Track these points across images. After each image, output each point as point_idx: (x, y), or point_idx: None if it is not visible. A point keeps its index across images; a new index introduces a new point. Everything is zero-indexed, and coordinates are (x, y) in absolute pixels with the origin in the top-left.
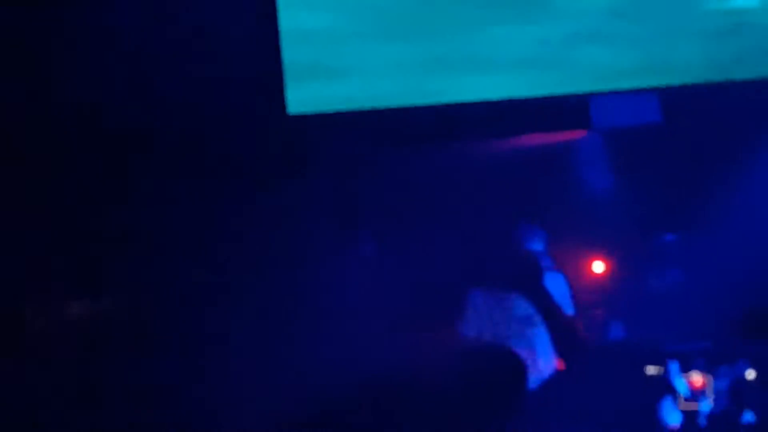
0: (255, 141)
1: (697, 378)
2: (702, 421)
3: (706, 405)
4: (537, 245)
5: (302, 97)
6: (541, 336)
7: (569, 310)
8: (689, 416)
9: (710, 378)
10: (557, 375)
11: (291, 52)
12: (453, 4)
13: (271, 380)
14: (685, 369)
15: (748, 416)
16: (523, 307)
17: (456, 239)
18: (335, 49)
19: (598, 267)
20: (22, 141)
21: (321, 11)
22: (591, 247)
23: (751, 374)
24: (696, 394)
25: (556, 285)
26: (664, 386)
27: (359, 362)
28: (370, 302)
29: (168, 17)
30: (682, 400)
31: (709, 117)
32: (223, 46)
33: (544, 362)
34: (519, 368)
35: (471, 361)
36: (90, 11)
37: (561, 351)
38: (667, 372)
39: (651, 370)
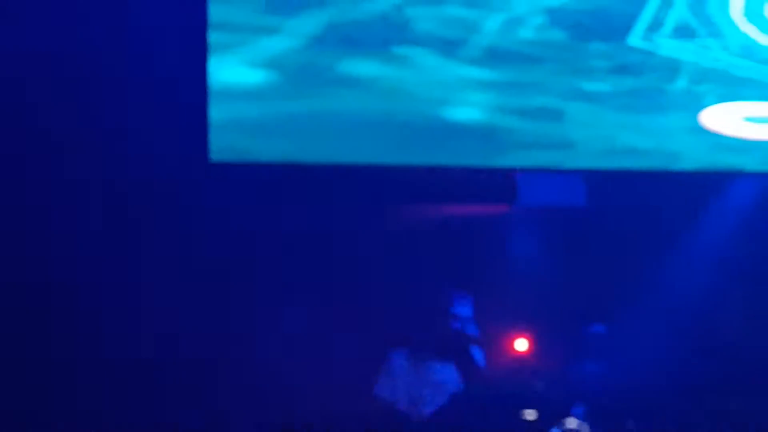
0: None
1: None
2: None
3: None
4: (464, 311)
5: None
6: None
7: None
8: None
9: None
10: None
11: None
12: None
13: None
14: None
15: None
16: (439, 372)
17: (382, 302)
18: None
19: (521, 345)
20: None
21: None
22: (516, 325)
23: None
24: None
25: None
26: None
27: None
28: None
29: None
30: None
31: (633, 204)
32: (149, 89)
33: None
34: None
35: None
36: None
37: None
38: None
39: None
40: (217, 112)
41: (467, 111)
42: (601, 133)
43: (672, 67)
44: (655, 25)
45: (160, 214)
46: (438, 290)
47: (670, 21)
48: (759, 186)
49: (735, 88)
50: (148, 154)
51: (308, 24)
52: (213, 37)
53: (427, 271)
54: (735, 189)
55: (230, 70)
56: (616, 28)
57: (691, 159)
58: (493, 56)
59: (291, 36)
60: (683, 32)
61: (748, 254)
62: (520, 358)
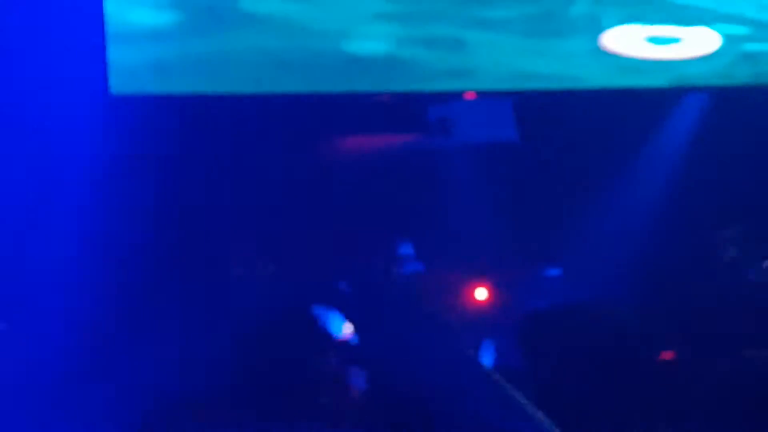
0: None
1: None
2: None
3: None
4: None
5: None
6: None
7: None
8: None
9: None
10: None
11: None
12: None
13: None
14: None
15: None
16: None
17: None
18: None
19: (481, 294)
20: None
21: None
22: (472, 272)
23: None
24: None
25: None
26: None
27: None
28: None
29: None
30: None
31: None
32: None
33: None
34: None
35: None
36: None
37: None
38: None
39: None
40: (116, 53)
41: (370, 44)
42: (503, 60)
43: None
44: None
45: (63, 153)
46: (372, 233)
47: None
48: (704, 102)
49: (636, 9)
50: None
51: None
52: None
53: (356, 211)
54: (677, 107)
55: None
56: None
57: (593, 82)
58: None
59: None
60: None
61: (698, 173)
62: (480, 307)
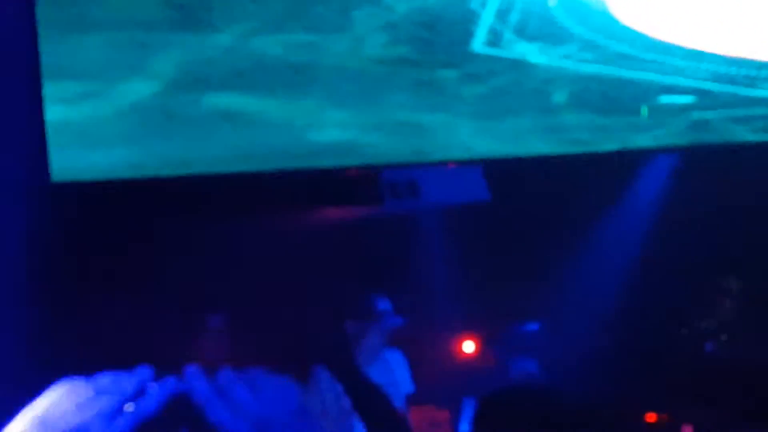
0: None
1: None
2: None
3: None
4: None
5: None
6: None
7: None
8: None
9: None
10: None
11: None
12: None
13: None
14: None
15: None
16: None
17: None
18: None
19: (469, 347)
20: None
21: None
22: (458, 327)
23: None
24: None
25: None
26: None
27: None
28: None
29: None
30: None
31: (538, 194)
32: None
33: None
34: None
35: None
36: None
37: None
38: None
39: None
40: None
41: (329, 132)
42: (458, 142)
43: (520, 69)
44: (498, 31)
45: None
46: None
47: (510, 25)
48: (666, 164)
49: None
50: None
51: (163, 68)
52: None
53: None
54: (643, 169)
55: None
56: (457, 38)
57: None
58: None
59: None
60: (526, 34)
61: (661, 234)
62: (468, 360)
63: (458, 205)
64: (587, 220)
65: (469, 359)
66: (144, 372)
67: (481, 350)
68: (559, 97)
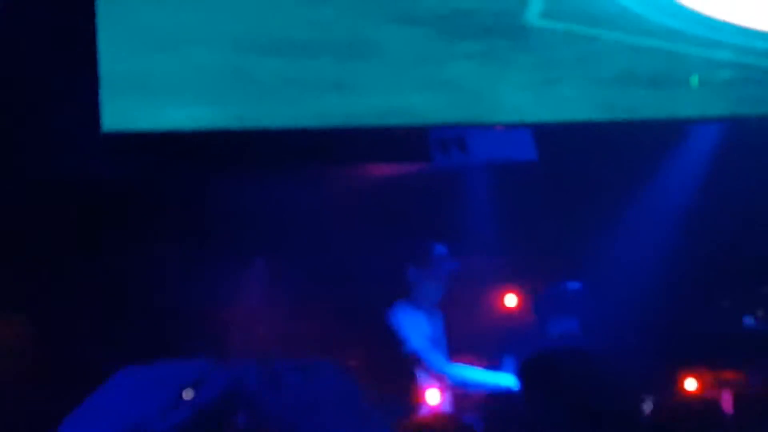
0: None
1: None
2: None
3: None
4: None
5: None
6: None
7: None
8: None
9: None
10: None
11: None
12: None
13: None
14: None
15: None
16: None
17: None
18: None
19: (511, 301)
20: None
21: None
22: (501, 280)
23: None
24: None
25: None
26: None
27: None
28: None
29: None
30: None
31: (585, 157)
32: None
33: None
34: None
35: None
36: None
37: None
38: None
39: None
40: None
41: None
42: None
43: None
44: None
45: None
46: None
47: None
48: (713, 135)
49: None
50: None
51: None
52: None
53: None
54: (689, 140)
55: None
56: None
57: None
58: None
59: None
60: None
61: (706, 206)
62: (509, 313)
63: (506, 162)
64: (632, 186)
65: (511, 312)
66: (202, 361)
67: (523, 304)
68: (609, 67)
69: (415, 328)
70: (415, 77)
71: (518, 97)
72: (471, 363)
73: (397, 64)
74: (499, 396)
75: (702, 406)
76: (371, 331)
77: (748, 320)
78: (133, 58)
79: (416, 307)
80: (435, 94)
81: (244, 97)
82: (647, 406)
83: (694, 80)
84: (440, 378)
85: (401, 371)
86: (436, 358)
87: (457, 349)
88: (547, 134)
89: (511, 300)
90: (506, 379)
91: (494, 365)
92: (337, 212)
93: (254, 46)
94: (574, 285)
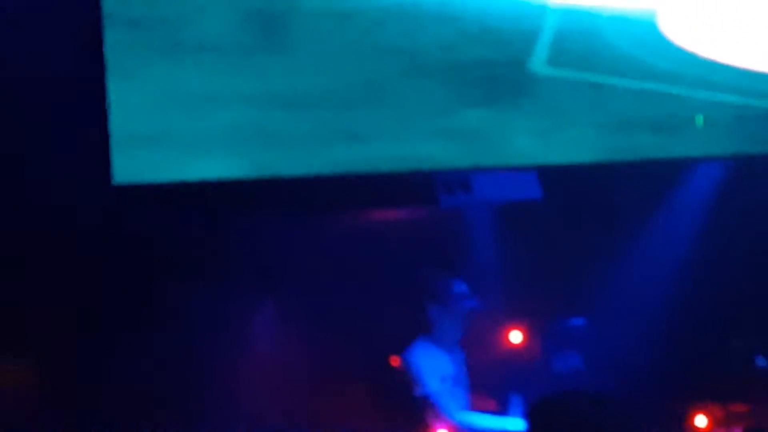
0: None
1: None
2: None
3: None
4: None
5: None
6: None
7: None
8: None
9: None
10: None
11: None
12: None
13: None
14: None
15: None
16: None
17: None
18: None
19: (516, 337)
20: None
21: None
22: (506, 318)
23: None
24: None
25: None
26: None
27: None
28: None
29: None
30: None
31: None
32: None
33: None
34: None
35: None
36: None
37: None
38: None
39: None
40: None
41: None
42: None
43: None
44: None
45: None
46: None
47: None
48: (716, 174)
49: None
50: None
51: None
52: None
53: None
54: (692, 179)
55: None
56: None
57: None
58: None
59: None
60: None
61: (707, 242)
62: (514, 350)
63: (510, 202)
64: (638, 224)
65: (516, 349)
66: None
67: (528, 341)
68: (613, 112)
69: (434, 367)
70: (425, 126)
71: (525, 142)
72: (477, 401)
73: (408, 114)
74: None
75: None
76: (386, 370)
77: (761, 360)
78: (146, 115)
79: (436, 345)
80: (444, 142)
81: (261, 149)
82: None
83: (699, 120)
84: (450, 423)
85: (413, 413)
86: (449, 402)
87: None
88: (550, 174)
89: (516, 337)
90: (515, 424)
91: (501, 403)
92: (347, 256)
93: (272, 100)
94: (577, 321)
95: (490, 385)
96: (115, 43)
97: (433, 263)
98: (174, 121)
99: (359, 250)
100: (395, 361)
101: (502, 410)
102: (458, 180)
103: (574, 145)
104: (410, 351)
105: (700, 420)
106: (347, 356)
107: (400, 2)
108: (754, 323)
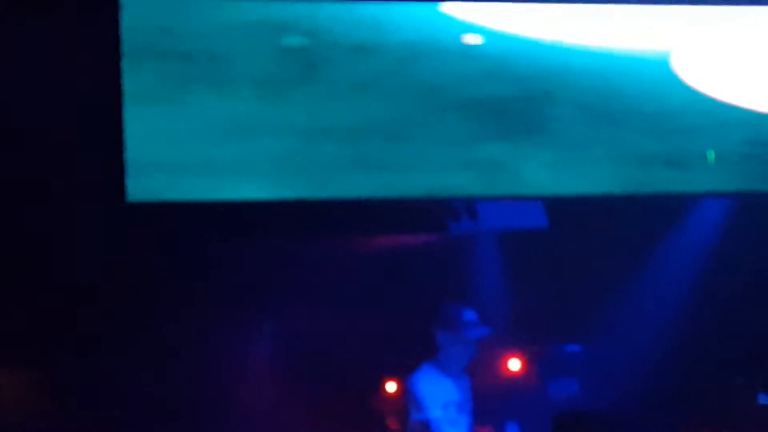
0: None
1: None
2: None
3: None
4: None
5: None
6: None
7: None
8: None
9: None
10: None
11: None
12: None
13: None
14: None
15: None
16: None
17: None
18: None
19: (515, 365)
20: None
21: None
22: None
23: None
24: None
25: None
26: None
27: None
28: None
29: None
30: None
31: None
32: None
33: None
34: None
35: None
36: None
37: None
38: None
39: None
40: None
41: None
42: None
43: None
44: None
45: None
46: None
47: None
48: (719, 207)
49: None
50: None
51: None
52: None
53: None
54: (696, 211)
55: None
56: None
57: None
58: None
59: None
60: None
61: (710, 274)
62: (512, 378)
63: (514, 230)
64: (641, 257)
65: (514, 377)
66: None
67: (527, 369)
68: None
69: (437, 393)
70: (448, 157)
71: (541, 174)
72: (475, 427)
73: (433, 146)
74: None
75: None
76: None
77: (763, 398)
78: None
79: (442, 371)
80: (465, 173)
81: (291, 174)
82: None
83: (711, 156)
84: None
85: None
86: (450, 430)
87: None
88: (555, 204)
89: (515, 364)
90: None
91: (498, 430)
92: (356, 280)
93: (311, 132)
94: (573, 347)
95: (489, 411)
96: (164, 73)
97: (441, 289)
98: (208, 148)
99: (370, 274)
100: (392, 385)
101: None
102: (464, 207)
103: (588, 179)
104: (414, 376)
105: None
106: (350, 379)
107: (424, 41)
108: (756, 361)
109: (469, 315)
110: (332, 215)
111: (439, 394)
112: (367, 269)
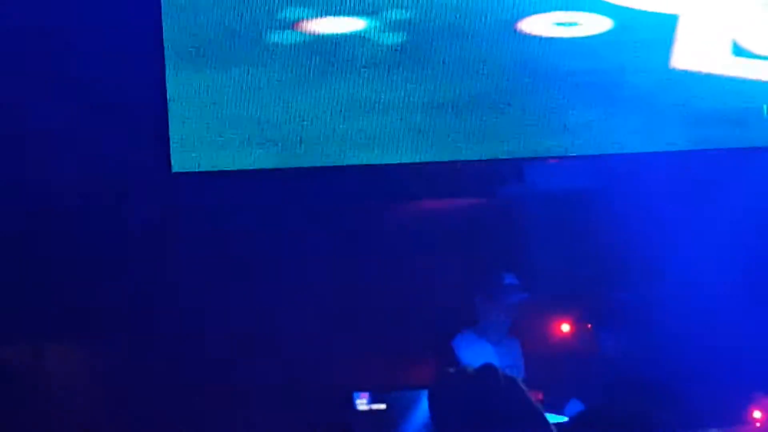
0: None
1: None
2: None
3: None
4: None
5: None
6: None
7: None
8: None
9: None
10: None
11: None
12: None
13: None
14: None
15: None
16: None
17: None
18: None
19: (565, 328)
20: None
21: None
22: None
23: None
24: None
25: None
26: None
27: None
28: None
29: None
30: None
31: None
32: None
33: None
34: None
35: None
36: None
37: None
38: None
39: None
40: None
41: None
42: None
43: None
44: None
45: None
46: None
47: None
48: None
49: None
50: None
51: None
52: None
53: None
54: (745, 168)
55: None
56: None
57: None
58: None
59: None
60: None
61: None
62: (565, 340)
63: (563, 193)
64: (691, 218)
65: (565, 339)
66: None
67: (575, 331)
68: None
69: (475, 359)
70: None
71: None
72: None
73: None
74: None
75: None
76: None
77: None
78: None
79: (481, 337)
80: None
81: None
82: None
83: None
84: None
85: None
86: None
87: None
88: (600, 164)
89: (565, 327)
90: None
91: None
92: (400, 244)
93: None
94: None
95: (540, 376)
96: None
97: (484, 254)
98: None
99: (412, 239)
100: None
101: (550, 402)
102: (511, 170)
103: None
104: (454, 342)
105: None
106: (392, 343)
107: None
108: None
109: (509, 280)
110: (379, 181)
111: (477, 360)
112: (412, 234)
